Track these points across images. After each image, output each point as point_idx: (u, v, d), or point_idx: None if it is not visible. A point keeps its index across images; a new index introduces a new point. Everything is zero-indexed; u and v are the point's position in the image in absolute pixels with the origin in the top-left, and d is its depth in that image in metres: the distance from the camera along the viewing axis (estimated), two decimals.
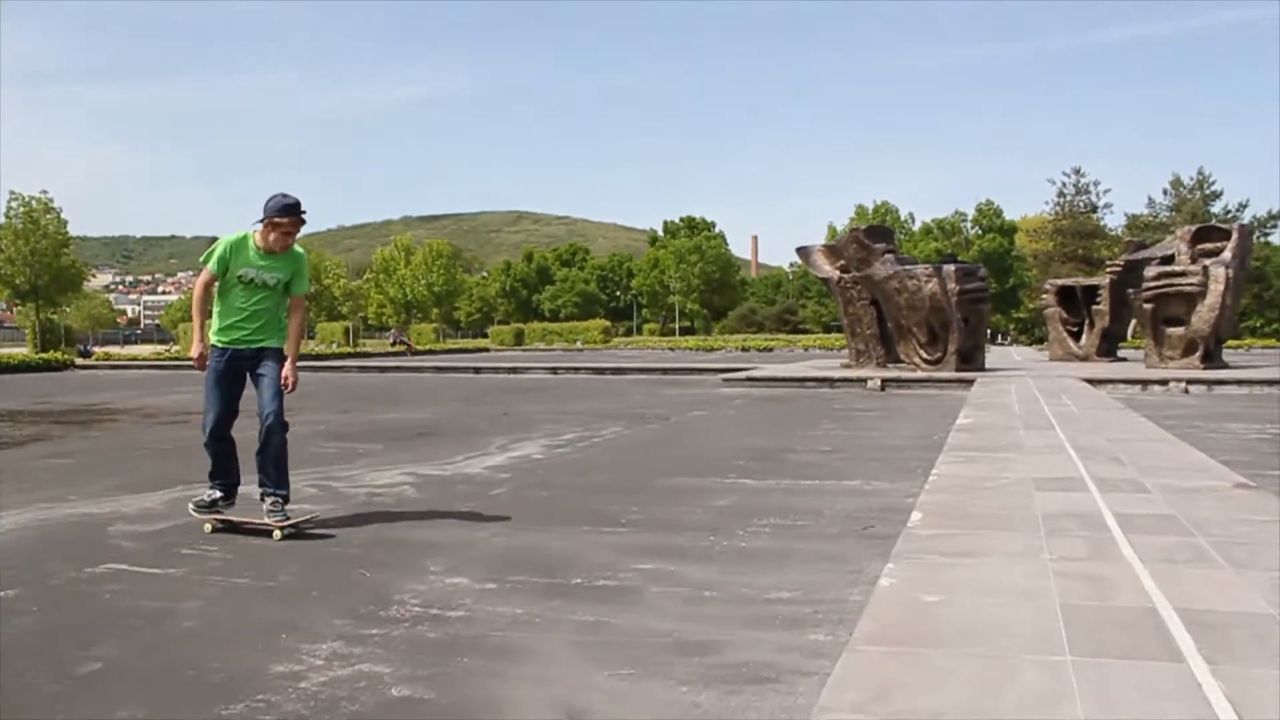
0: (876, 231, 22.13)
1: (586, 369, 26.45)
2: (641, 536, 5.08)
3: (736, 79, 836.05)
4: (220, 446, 5.33)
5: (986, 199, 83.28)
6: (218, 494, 5.33)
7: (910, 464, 7.61)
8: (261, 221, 5.30)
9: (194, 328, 5.27)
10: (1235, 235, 19.36)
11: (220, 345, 5.30)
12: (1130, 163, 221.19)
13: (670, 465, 7.91)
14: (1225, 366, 20.40)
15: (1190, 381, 17.14)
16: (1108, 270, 25.43)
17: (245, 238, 5.34)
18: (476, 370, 27.67)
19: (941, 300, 19.38)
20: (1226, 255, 19.04)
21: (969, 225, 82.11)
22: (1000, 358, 32.13)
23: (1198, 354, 19.63)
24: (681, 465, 7.89)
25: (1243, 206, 63.42)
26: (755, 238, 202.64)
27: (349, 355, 42.45)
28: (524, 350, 59.29)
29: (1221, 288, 18.58)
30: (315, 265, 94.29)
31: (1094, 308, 25.42)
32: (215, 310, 5.36)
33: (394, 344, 50.83)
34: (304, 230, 5.50)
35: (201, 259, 5.41)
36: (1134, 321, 26.80)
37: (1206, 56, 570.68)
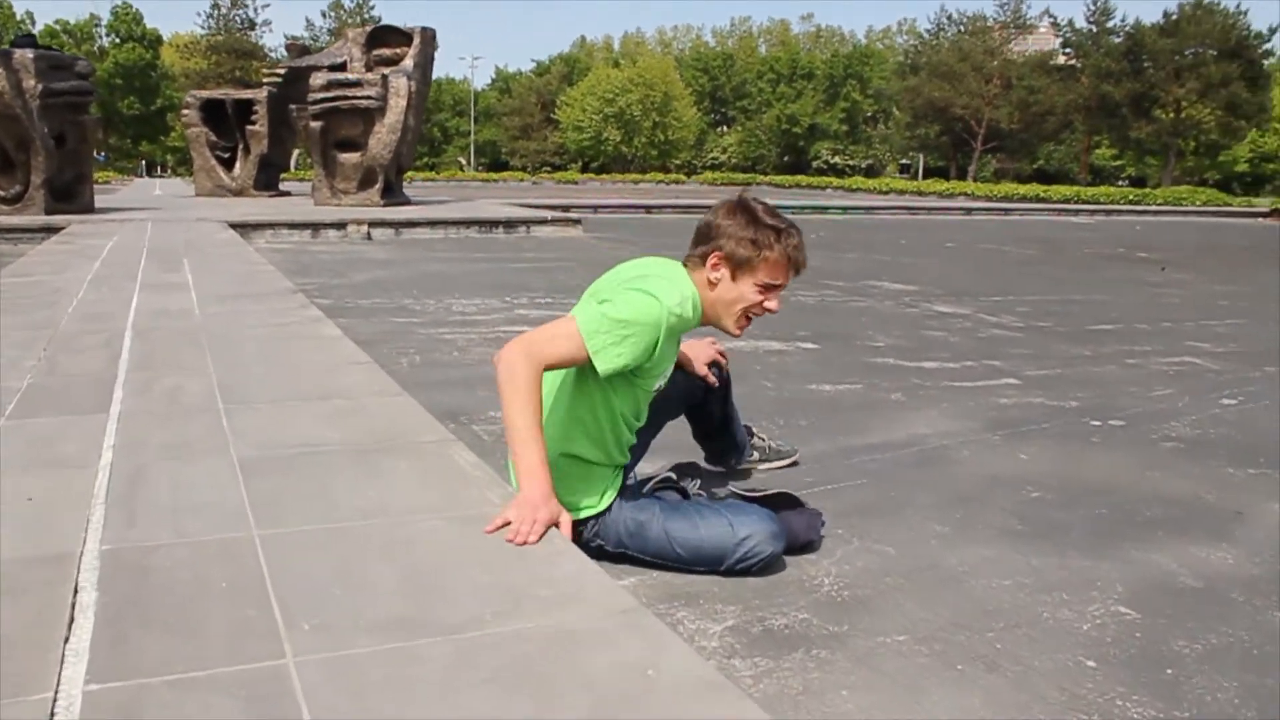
0: None
1: None
2: None
3: None
4: None
5: (124, 2, 70.63)
6: None
7: None
8: None
9: None
10: (418, 40, 15.63)
11: None
12: None
13: None
14: (408, 202, 17.05)
15: (373, 224, 13.36)
16: (265, 81, 20.33)
17: None
18: None
19: (14, 104, 12.43)
20: (408, 64, 15.28)
21: (103, 32, 69.55)
22: (136, 193, 25.35)
23: (377, 187, 15.89)
24: None
25: None
26: None
27: None
28: None
29: (404, 103, 14.81)
30: None
31: (249, 129, 20.23)
32: None
33: None
34: None
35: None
36: (298, 150, 22.37)
37: None
